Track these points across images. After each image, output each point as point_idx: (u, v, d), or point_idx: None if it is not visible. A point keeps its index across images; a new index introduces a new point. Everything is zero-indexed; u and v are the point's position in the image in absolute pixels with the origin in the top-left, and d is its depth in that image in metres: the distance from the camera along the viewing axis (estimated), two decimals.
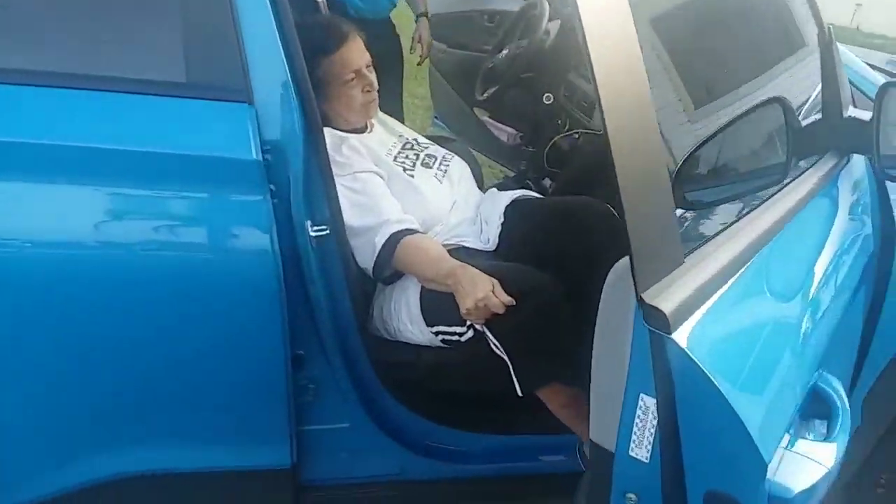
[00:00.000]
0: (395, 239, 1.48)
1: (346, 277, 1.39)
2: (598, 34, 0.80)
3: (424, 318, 1.50)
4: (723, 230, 0.98)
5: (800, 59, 1.60)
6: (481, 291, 1.33)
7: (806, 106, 1.37)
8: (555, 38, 2.31)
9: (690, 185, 1.00)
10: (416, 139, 1.79)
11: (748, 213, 1.04)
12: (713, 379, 0.82)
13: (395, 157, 1.68)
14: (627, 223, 0.80)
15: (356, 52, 1.62)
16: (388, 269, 1.52)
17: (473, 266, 1.48)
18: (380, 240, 1.48)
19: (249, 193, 1.21)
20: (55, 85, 1.18)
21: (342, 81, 1.60)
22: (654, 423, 0.83)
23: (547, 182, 2.05)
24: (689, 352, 0.82)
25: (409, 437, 1.51)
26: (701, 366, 0.81)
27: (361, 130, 1.71)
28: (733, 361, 0.90)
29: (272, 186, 1.23)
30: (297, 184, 1.24)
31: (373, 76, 1.64)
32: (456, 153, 1.78)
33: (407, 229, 1.51)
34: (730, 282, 0.91)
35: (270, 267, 1.24)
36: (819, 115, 1.34)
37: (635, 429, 0.86)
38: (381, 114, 1.78)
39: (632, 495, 0.90)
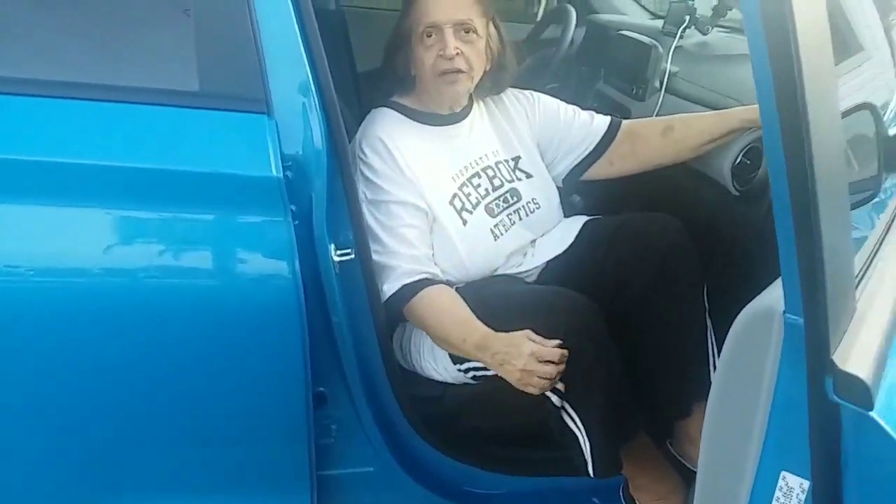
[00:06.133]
0: (407, 292, 1.30)
1: (372, 305, 1.27)
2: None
3: (451, 356, 1.35)
4: (867, 262, 0.83)
5: (857, 65, 1.49)
6: (527, 347, 1.17)
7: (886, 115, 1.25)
8: (581, 45, 2.20)
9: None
10: (513, 161, 1.47)
11: (879, 237, 0.90)
12: None
13: (462, 185, 1.40)
14: (807, 255, 0.63)
15: (445, 3, 1.33)
16: (400, 318, 1.35)
17: (506, 290, 1.36)
18: (388, 288, 1.30)
19: (268, 214, 1.10)
20: (53, 95, 1.07)
21: (416, 35, 1.34)
22: None
23: (576, 198, 1.93)
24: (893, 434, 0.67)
25: (439, 481, 1.39)
26: None
27: (438, 119, 1.42)
28: None
29: (293, 207, 1.12)
30: (321, 203, 1.13)
31: (466, 46, 1.33)
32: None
33: (423, 280, 1.31)
34: None
35: (291, 296, 1.12)
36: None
37: None
38: (497, 110, 1.48)
39: None
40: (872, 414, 0.67)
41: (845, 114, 0.96)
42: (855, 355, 0.69)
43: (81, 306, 1.10)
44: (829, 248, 0.65)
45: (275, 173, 1.08)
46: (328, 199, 1.14)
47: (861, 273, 0.82)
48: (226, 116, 1.09)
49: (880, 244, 0.90)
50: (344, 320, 1.22)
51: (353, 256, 1.20)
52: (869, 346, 0.71)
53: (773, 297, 0.72)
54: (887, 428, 0.67)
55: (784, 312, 0.70)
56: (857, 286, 0.78)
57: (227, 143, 1.10)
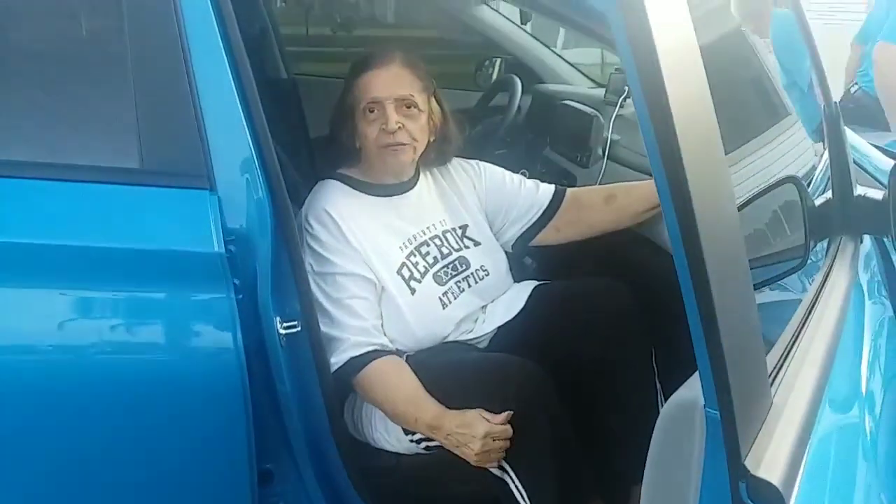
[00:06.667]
0: (356, 364, 1.29)
1: (320, 376, 1.25)
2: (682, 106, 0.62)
3: (402, 427, 1.34)
4: (788, 346, 0.85)
5: (786, 128, 1.57)
6: (482, 427, 1.18)
7: (812, 182, 1.31)
8: (528, 113, 2.27)
9: None
10: (460, 230, 1.49)
11: (801, 318, 0.92)
12: None
13: (410, 255, 1.41)
14: (713, 354, 0.62)
15: (386, 80, 1.36)
16: (350, 389, 1.34)
17: (456, 360, 1.36)
18: (336, 361, 1.29)
19: (210, 291, 1.09)
20: None
21: (359, 110, 1.37)
22: None
23: (528, 261, 1.96)
24: None
25: None
26: None
27: (384, 190, 1.44)
28: None
29: (236, 281, 1.11)
30: (265, 276, 1.12)
31: (408, 120, 1.36)
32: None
33: (371, 351, 1.30)
34: (818, 417, 0.77)
35: (234, 372, 1.11)
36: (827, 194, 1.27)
37: None
38: (444, 180, 1.51)
39: None
40: None
41: (770, 188, 1.01)
42: (768, 457, 0.68)
43: (22, 384, 1.07)
44: (733, 345, 0.65)
45: (216, 248, 1.07)
46: (274, 272, 1.13)
47: (778, 364, 0.82)
48: (167, 193, 1.09)
49: (799, 332, 0.91)
50: (291, 393, 1.19)
51: (299, 328, 1.19)
52: (783, 446, 0.70)
53: (697, 388, 0.71)
54: None
55: (704, 406, 0.69)
56: (773, 379, 0.78)
57: (167, 220, 1.09)
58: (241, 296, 1.11)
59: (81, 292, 1.08)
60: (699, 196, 0.60)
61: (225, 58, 1.12)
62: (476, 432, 1.18)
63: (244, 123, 1.12)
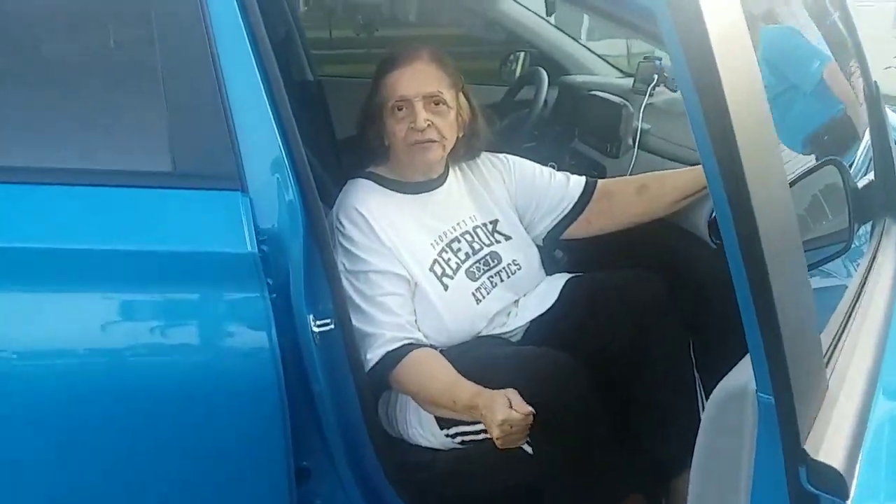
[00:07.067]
0: (392, 359, 1.30)
1: (354, 373, 1.25)
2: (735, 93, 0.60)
3: (438, 421, 1.33)
4: (839, 332, 0.82)
5: None
6: (500, 413, 1.15)
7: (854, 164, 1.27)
8: (555, 106, 2.25)
9: None
10: (490, 225, 1.48)
11: (849, 302, 0.89)
12: None
13: (442, 251, 1.41)
14: (769, 337, 0.61)
15: (414, 78, 1.35)
16: (385, 385, 1.34)
17: (490, 354, 1.35)
18: (372, 357, 1.29)
19: (244, 290, 1.10)
20: (28, 182, 1.07)
21: (387, 109, 1.37)
22: None
23: (559, 254, 1.94)
24: None
25: None
26: None
27: (414, 187, 1.44)
28: None
29: (269, 280, 1.12)
30: (298, 275, 1.13)
31: (436, 117, 1.36)
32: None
33: (407, 345, 1.30)
34: (873, 404, 0.75)
35: (269, 371, 1.11)
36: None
37: None
38: (473, 175, 1.51)
39: None
40: None
41: (811, 171, 0.98)
42: (828, 441, 0.67)
43: (60, 387, 1.09)
44: (790, 327, 0.63)
45: (249, 249, 1.08)
46: (306, 271, 1.14)
47: (830, 349, 0.80)
48: (200, 195, 1.10)
49: (849, 315, 0.88)
50: (326, 391, 1.20)
51: (332, 326, 1.19)
52: (842, 430, 0.69)
53: (746, 374, 0.70)
54: None
55: (756, 391, 0.68)
56: (827, 362, 0.76)
57: (201, 222, 1.10)
58: (274, 295, 1.12)
59: (117, 295, 1.10)
60: (752, 175, 0.58)
61: (253, 61, 1.12)
62: (495, 417, 1.16)
63: (273, 125, 1.12)
